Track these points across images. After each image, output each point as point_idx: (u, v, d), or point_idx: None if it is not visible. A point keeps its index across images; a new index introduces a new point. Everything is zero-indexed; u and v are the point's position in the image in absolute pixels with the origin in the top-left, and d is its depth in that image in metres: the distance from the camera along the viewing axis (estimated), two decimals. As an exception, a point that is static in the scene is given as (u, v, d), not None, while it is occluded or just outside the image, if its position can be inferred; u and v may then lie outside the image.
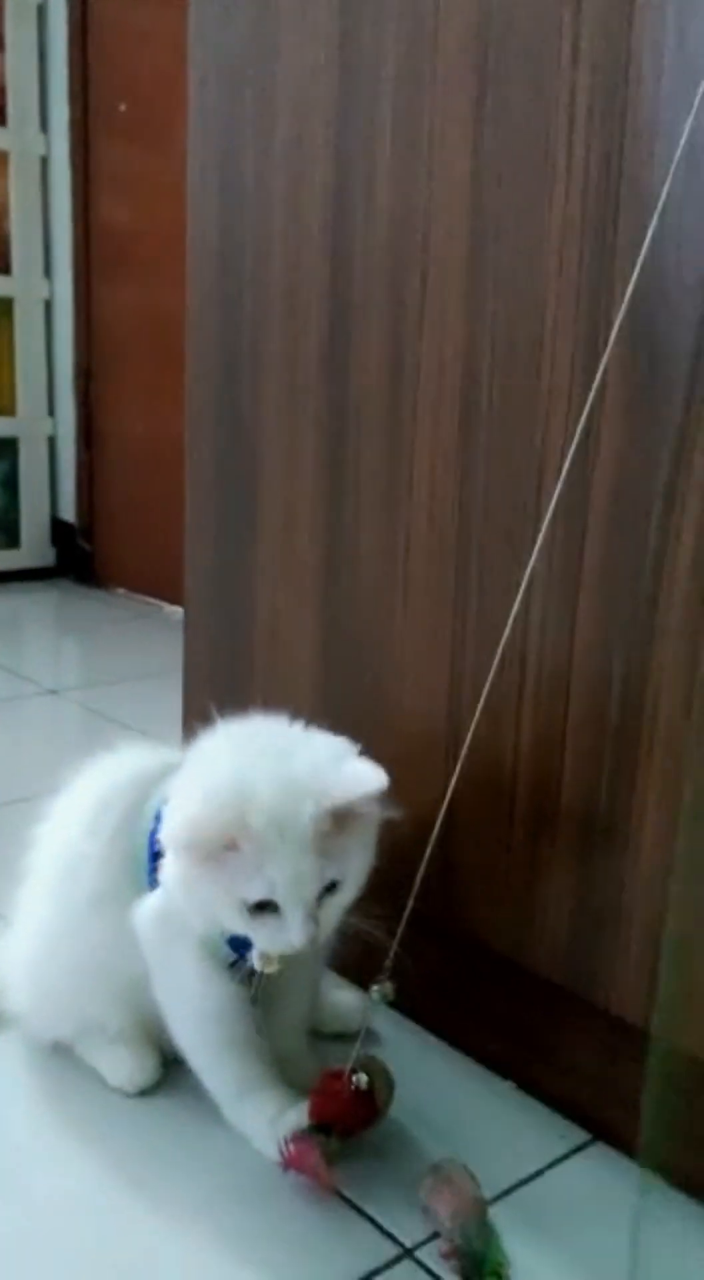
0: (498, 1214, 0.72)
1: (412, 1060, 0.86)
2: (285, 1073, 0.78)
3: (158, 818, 0.77)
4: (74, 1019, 0.85)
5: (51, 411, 2.63)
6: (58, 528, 2.68)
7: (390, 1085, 0.77)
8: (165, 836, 0.72)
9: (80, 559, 2.66)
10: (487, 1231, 0.69)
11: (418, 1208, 0.72)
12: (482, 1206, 0.71)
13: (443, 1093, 0.85)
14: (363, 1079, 0.74)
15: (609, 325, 0.69)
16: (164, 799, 0.77)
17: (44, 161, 2.52)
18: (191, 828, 0.69)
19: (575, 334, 0.72)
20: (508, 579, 0.78)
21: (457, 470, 0.81)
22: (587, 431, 0.71)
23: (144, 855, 0.78)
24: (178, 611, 2.45)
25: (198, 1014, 0.77)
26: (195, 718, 1.09)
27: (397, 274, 0.83)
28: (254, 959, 0.73)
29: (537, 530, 0.76)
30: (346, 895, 0.72)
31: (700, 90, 0.62)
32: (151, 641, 2.24)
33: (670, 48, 0.65)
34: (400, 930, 0.74)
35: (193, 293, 1.03)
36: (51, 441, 2.65)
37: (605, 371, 0.69)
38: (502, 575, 0.78)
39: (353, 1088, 0.74)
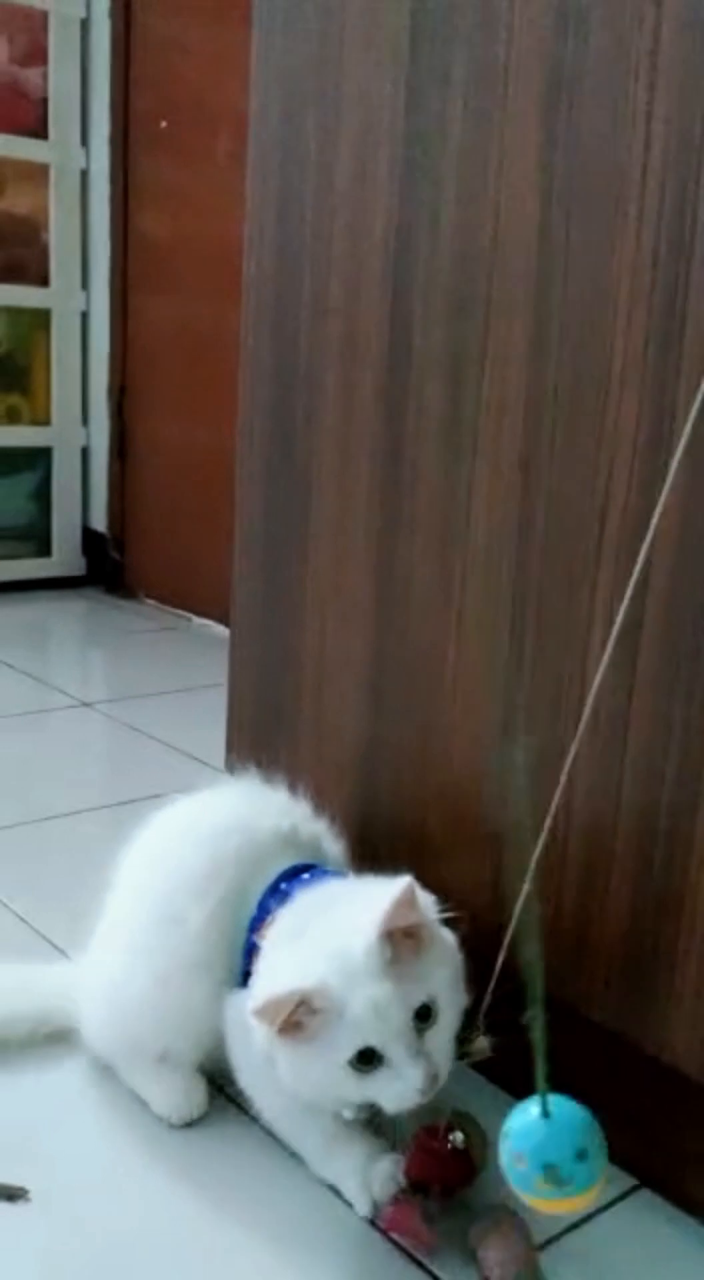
0: (545, 1260, 0.72)
1: (458, 1100, 0.86)
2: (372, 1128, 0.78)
3: (261, 908, 0.79)
4: (132, 1049, 0.85)
5: (85, 422, 2.65)
6: (89, 537, 2.70)
7: (486, 1142, 0.74)
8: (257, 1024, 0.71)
9: (110, 569, 2.67)
10: (536, 1280, 0.69)
11: (468, 1254, 0.72)
12: (532, 1255, 0.71)
13: (489, 1131, 0.85)
14: (460, 1137, 0.72)
15: (678, 374, 0.69)
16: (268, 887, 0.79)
17: (84, 175, 2.54)
18: (269, 1010, 0.69)
19: (643, 381, 0.72)
20: (566, 625, 0.78)
21: (516, 514, 0.81)
22: (653, 482, 0.71)
23: (243, 940, 0.79)
24: (207, 624, 2.46)
25: (281, 1095, 0.76)
26: (239, 748, 1.10)
27: (459, 312, 0.83)
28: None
29: (596, 577, 0.76)
30: (448, 1019, 0.71)
31: None
32: (181, 654, 2.25)
33: (749, 103, 0.65)
34: (492, 984, 0.72)
35: (248, 321, 1.03)
36: (85, 452, 2.67)
37: (675, 419, 0.69)
38: (560, 621, 0.78)
39: (450, 1146, 0.72)
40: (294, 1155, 0.81)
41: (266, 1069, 0.75)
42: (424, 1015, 0.70)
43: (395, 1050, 0.69)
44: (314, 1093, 0.73)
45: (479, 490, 0.84)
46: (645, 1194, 0.80)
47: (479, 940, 0.75)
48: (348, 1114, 0.74)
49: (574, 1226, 0.77)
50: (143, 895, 0.85)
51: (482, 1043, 0.72)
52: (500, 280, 0.80)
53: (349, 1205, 0.77)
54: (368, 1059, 0.69)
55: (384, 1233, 0.74)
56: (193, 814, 0.86)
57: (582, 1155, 0.60)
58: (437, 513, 0.87)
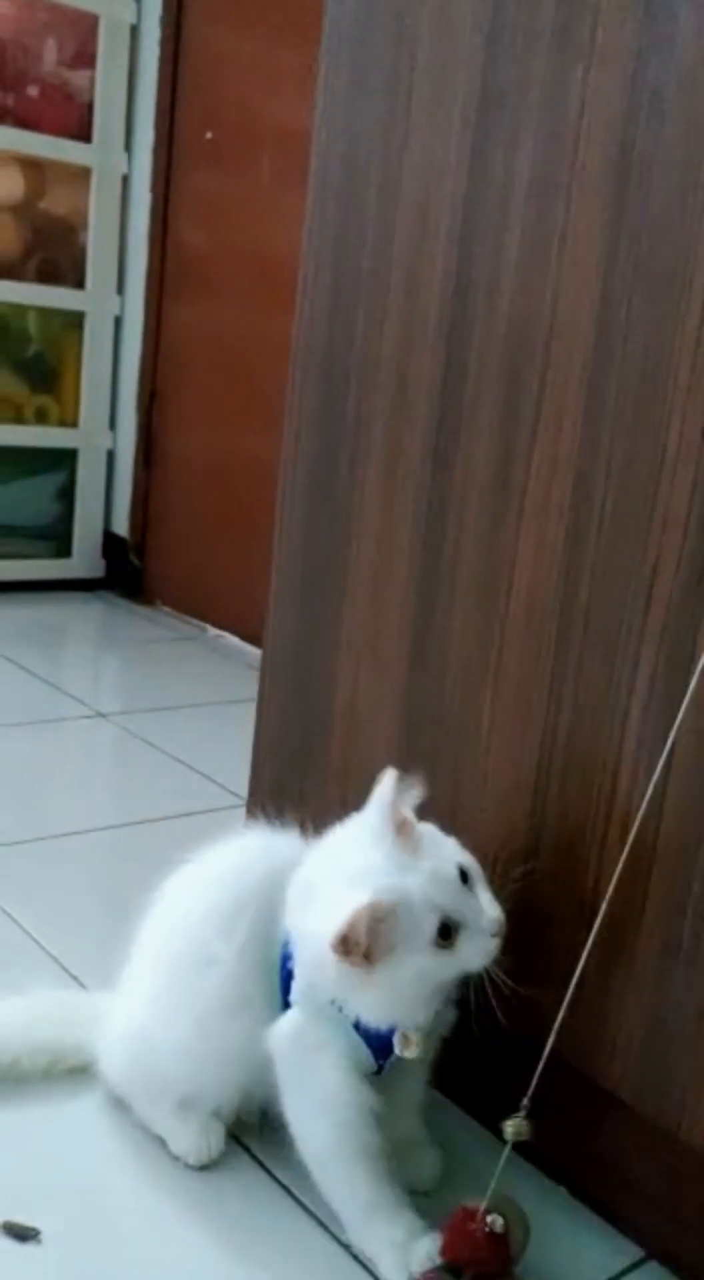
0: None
1: (464, 1157, 0.87)
2: (402, 1159, 0.79)
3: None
4: (155, 1087, 0.86)
5: (113, 426, 2.65)
6: (109, 541, 2.70)
7: (527, 1230, 0.74)
8: (332, 967, 0.73)
9: (129, 574, 2.67)
10: None
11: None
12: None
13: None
14: (499, 1221, 0.72)
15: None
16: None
17: (125, 180, 2.54)
18: (350, 938, 0.71)
19: (698, 464, 0.72)
20: (604, 698, 0.78)
21: (559, 582, 0.81)
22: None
23: (276, 970, 0.80)
24: (222, 635, 2.47)
25: (332, 1124, 0.77)
26: (263, 790, 1.10)
27: (513, 375, 0.84)
28: (396, 1043, 0.75)
29: (638, 654, 0.76)
30: (479, 877, 0.76)
31: None
32: (198, 666, 2.26)
33: None
34: (540, 1067, 0.73)
35: (297, 366, 1.03)
36: (110, 455, 2.67)
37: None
38: (598, 693, 0.79)
39: (488, 1230, 0.72)
40: (306, 1206, 0.81)
41: (318, 1104, 0.77)
42: (464, 877, 0.75)
43: (465, 909, 0.73)
44: (413, 1000, 0.75)
45: (524, 555, 0.84)
46: (653, 1266, 0.81)
47: (514, 1014, 0.76)
48: (436, 1006, 0.77)
49: (582, 1297, 0.77)
50: (170, 939, 0.85)
51: (522, 1124, 0.72)
52: (557, 349, 0.81)
53: (360, 1262, 0.77)
54: (447, 932, 0.73)
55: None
56: (213, 859, 0.86)
57: None
58: (479, 572, 0.87)
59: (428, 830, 0.77)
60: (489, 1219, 0.72)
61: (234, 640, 2.39)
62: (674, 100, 0.73)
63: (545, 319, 0.81)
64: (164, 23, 2.44)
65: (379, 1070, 0.78)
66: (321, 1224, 0.80)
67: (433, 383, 0.90)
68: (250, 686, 1.11)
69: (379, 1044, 0.77)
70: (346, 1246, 0.79)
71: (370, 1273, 0.77)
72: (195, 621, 2.51)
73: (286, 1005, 0.80)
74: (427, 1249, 0.74)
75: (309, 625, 1.04)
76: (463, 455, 0.88)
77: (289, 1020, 0.78)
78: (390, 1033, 0.76)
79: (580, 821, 0.80)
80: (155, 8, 2.45)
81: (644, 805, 0.75)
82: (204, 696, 2.02)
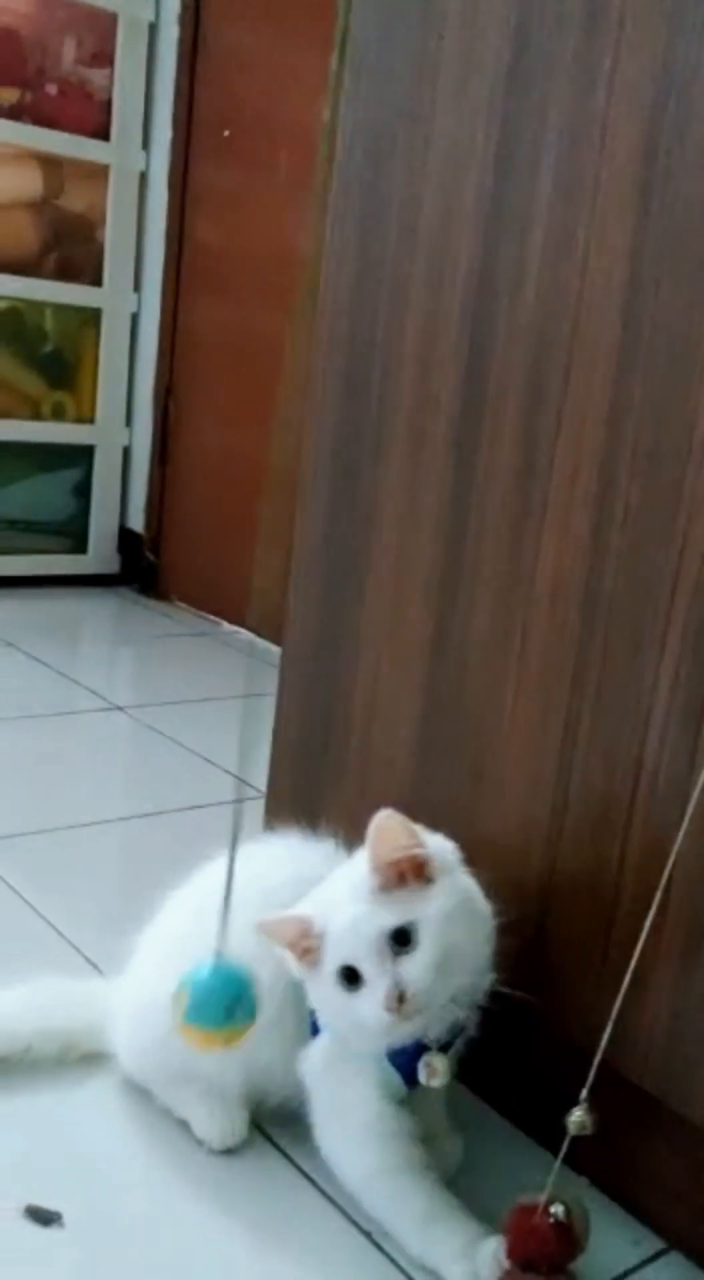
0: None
1: (490, 1150, 0.87)
2: (425, 1148, 0.79)
3: None
4: (177, 1076, 0.86)
5: (129, 423, 2.66)
6: (125, 537, 2.71)
7: (586, 1214, 0.73)
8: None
9: (145, 570, 2.68)
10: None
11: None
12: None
13: (519, 1181, 0.85)
14: (561, 1209, 0.71)
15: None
16: None
17: (143, 178, 2.55)
18: (270, 928, 0.76)
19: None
20: (629, 689, 0.78)
21: (583, 571, 0.81)
22: (729, 555, 0.71)
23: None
24: (237, 631, 2.47)
25: (373, 1146, 0.77)
26: (282, 784, 1.11)
27: (538, 367, 0.84)
28: (421, 1073, 0.75)
29: (663, 645, 0.76)
30: (431, 949, 0.72)
31: None
32: (212, 660, 2.26)
33: None
34: (597, 1059, 0.72)
35: (320, 360, 1.03)
36: (126, 452, 2.68)
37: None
38: (623, 684, 0.79)
39: (552, 1220, 0.71)
40: (325, 1191, 0.82)
41: (356, 1130, 0.77)
42: (402, 939, 0.73)
43: (366, 966, 0.73)
44: (333, 1022, 0.77)
45: (547, 547, 0.84)
46: (676, 1256, 0.81)
47: (558, 1016, 0.76)
48: (388, 1070, 0.77)
49: (602, 1286, 0.77)
50: (200, 935, 0.85)
51: (583, 1117, 0.71)
52: (582, 339, 0.81)
53: (382, 1249, 0.77)
54: (350, 977, 0.74)
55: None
56: (245, 863, 0.86)
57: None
58: (501, 565, 0.87)
59: (439, 883, 0.75)
60: (552, 1209, 0.71)
61: (250, 635, 2.39)
62: (700, 90, 0.73)
63: (571, 309, 0.81)
64: (182, 21, 2.45)
65: (410, 1092, 0.78)
66: (341, 1209, 0.81)
67: (457, 374, 0.90)
68: (266, 682, 1.12)
69: (406, 1066, 0.77)
70: (368, 1233, 0.79)
71: (390, 1257, 0.77)
72: (210, 617, 2.52)
73: (315, 1028, 0.80)
74: (493, 1251, 0.72)
75: (329, 617, 1.05)
76: (486, 446, 0.88)
77: (320, 1047, 0.79)
78: (415, 1052, 0.76)
79: (604, 814, 0.80)
80: (174, 6, 2.46)
81: (667, 794, 0.75)
82: (218, 690, 2.02)
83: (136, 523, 2.70)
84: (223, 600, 2.48)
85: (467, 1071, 0.89)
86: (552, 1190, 0.71)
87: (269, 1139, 0.87)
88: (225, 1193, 0.82)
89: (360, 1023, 0.73)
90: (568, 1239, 0.72)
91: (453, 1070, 0.79)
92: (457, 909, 0.75)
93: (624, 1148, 0.84)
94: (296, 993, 0.80)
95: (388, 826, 0.75)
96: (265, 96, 2.31)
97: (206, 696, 1.99)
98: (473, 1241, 0.74)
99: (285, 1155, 0.85)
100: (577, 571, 0.82)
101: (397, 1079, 0.78)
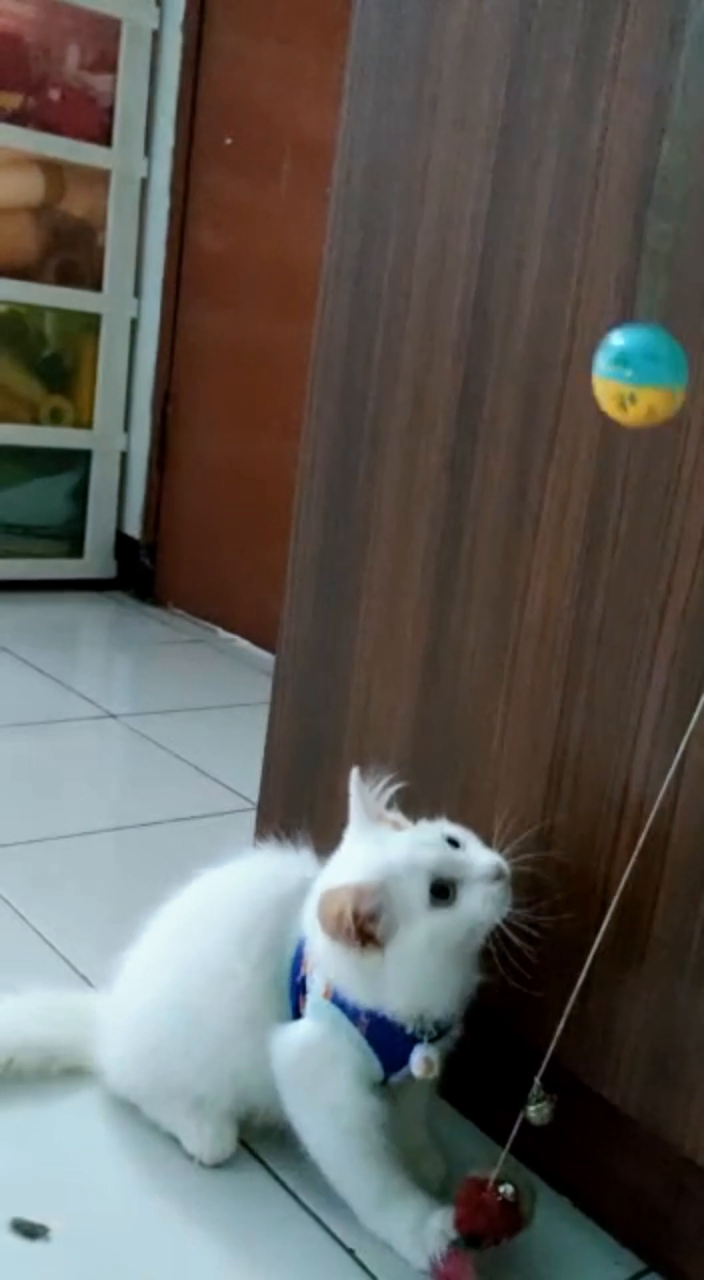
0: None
1: (469, 1163, 0.87)
2: (409, 1165, 0.81)
3: (299, 947, 0.81)
4: (166, 1089, 0.87)
5: (127, 428, 2.67)
6: (122, 542, 2.71)
7: (534, 1195, 0.77)
8: (351, 966, 0.76)
9: (141, 575, 2.69)
10: None
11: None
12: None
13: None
14: (509, 1189, 0.74)
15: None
16: (302, 931, 0.81)
17: (144, 184, 2.56)
18: (333, 916, 0.73)
19: (711, 487, 0.73)
20: (617, 713, 0.79)
21: (574, 595, 0.82)
22: (717, 586, 0.72)
23: (286, 983, 0.81)
24: (233, 639, 2.48)
25: (341, 1131, 0.79)
26: (274, 797, 1.11)
27: (531, 393, 0.85)
28: (415, 1065, 0.77)
29: (651, 671, 0.77)
30: (476, 846, 0.77)
31: None
32: (208, 669, 2.27)
33: None
34: (552, 1045, 0.74)
35: (315, 378, 1.04)
36: (124, 457, 2.69)
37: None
38: (611, 703, 0.80)
39: (500, 1198, 0.74)
40: (314, 1213, 0.82)
41: (326, 1113, 0.78)
42: (453, 842, 0.77)
43: (455, 865, 0.75)
44: (437, 973, 0.76)
45: (538, 570, 0.85)
46: (654, 1279, 0.81)
47: (518, 1017, 0.77)
48: (464, 980, 0.78)
49: (582, 1306, 0.78)
50: (185, 951, 0.86)
51: (544, 1108, 0.73)
52: (575, 368, 0.81)
53: (364, 1266, 0.78)
54: (442, 891, 0.74)
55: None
56: (227, 876, 0.88)
57: (653, 356, 0.61)
58: (493, 585, 0.88)
59: (420, 824, 0.80)
60: (501, 1188, 0.73)
61: (245, 643, 2.40)
62: (695, 125, 0.73)
63: (564, 338, 0.82)
64: (185, 28, 2.46)
65: (385, 1080, 0.79)
66: (324, 1226, 0.81)
67: (451, 398, 0.91)
68: (260, 690, 1.12)
69: (391, 1057, 0.78)
70: (351, 1250, 0.80)
71: (372, 1275, 0.77)
72: (206, 624, 2.52)
73: (296, 1013, 0.81)
74: (440, 1225, 0.76)
75: (323, 633, 1.05)
76: (479, 470, 0.89)
77: (299, 1031, 0.80)
78: (404, 1045, 0.77)
79: (590, 835, 0.81)
80: (177, 13, 2.47)
81: (652, 818, 0.76)
82: (214, 700, 2.03)
83: (134, 528, 2.70)
84: (220, 607, 2.49)
85: (451, 1087, 0.90)
86: (502, 1169, 0.74)
87: (254, 1154, 0.88)
88: (210, 1208, 0.82)
89: (474, 919, 0.74)
90: (513, 1216, 0.74)
91: (441, 1068, 0.80)
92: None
93: (605, 1168, 0.85)
94: (275, 991, 0.81)
95: (363, 785, 0.80)
96: (268, 105, 2.32)
97: (201, 705, 2.00)
98: (423, 1217, 0.77)
99: (270, 1171, 0.86)
100: (567, 596, 0.83)
101: (376, 1065, 0.78)
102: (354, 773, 0.81)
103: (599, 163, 0.79)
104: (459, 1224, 0.74)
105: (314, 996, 0.79)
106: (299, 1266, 0.78)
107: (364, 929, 0.73)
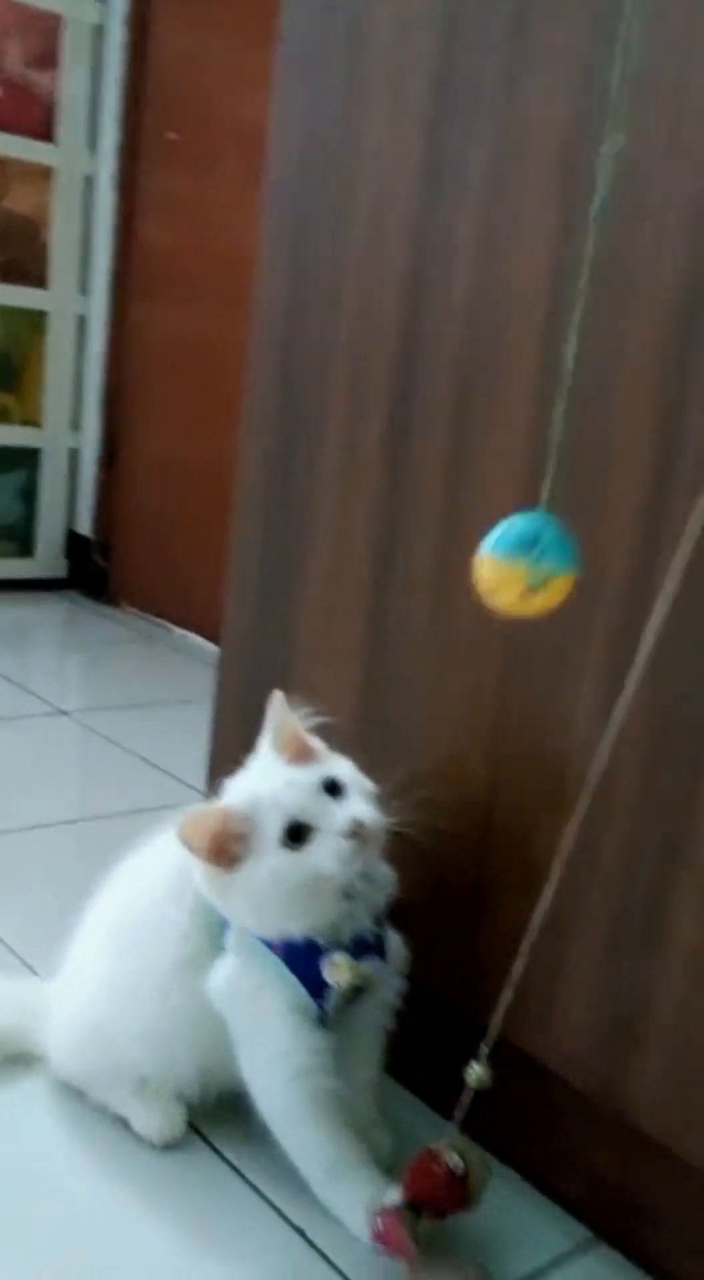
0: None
1: (418, 1141, 0.87)
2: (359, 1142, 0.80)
3: None
4: (113, 1068, 0.86)
5: (76, 426, 2.65)
6: (72, 541, 2.69)
7: (487, 1171, 0.76)
8: (207, 879, 0.78)
9: (93, 574, 2.67)
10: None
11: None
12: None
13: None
14: (459, 1162, 0.73)
15: (680, 451, 0.71)
16: None
17: (89, 180, 2.54)
18: (193, 834, 0.76)
19: (647, 450, 0.74)
20: (556, 686, 0.79)
21: (512, 571, 0.82)
22: (650, 553, 0.73)
23: (220, 924, 0.81)
24: (187, 635, 2.46)
25: (287, 1076, 0.78)
26: (221, 782, 1.11)
27: (466, 370, 0.85)
28: (325, 972, 0.77)
29: (588, 639, 0.77)
30: (359, 795, 0.78)
31: None
32: (161, 665, 2.26)
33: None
34: (497, 1017, 0.73)
35: (254, 362, 1.04)
36: (73, 455, 2.67)
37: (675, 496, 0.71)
38: (550, 682, 0.80)
39: (449, 1170, 0.73)
40: (263, 1192, 0.82)
41: (271, 1053, 0.78)
42: (333, 789, 0.77)
43: (315, 813, 0.76)
44: (284, 903, 0.76)
45: (476, 545, 0.85)
46: (602, 1248, 0.82)
47: (466, 992, 0.77)
48: (329, 912, 0.77)
49: (529, 1277, 0.78)
50: (122, 916, 0.86)
51: (483, 1071, 0.73)
52: (509, 344, 0.82)
53: (314, 1246, 0.78)
54: (296, 834, 0.75)
55: (346, 1277, 0.76)
56: (156, 844, 0.87)
57: (559, 540, 0.61)
58: (433, 563, 0.88)
59: (331, 756, 0.81)
60: (452, 1160, 0.73)
61: (198, 640, 2.39)
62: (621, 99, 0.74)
63: (496, 318, 0.83)
64: (128, 23, 2.45)
65: (323, 1017, 0.79)
66: (273, 1206, 0.81)
67: (389, 378, 0.91)
68: (213, 685, 1.12)
69: (311, 980, 0.78)
70: (301, 1230, 0.79)
71: (321, 1253, 0.77)
72: (160, 622, 2.51)
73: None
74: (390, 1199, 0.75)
75: (265, 620, 1.05)
76: (418, 449, 0.89)
77: (224, 966, 0.80)
78: (316, 964, 0.77)
79: (530, 808, 0.82)
80: (119, 8, 2.46)
81: (592, 789, 0.76)
82: (166, 695, 2.02)
83: (84, 526, 2.68)
84: (173, 604, 2.48)
85: (399, 1066, 0.90)
86: (457, 1143, 0.74)
87: (203, 1137, 0.87)
88: (158, 1191, 0.82)
89: (317, 869, 0.75)
90: (459, 1190, 0.74)
91: (383, 1023, 0.82)
92: (358, 773, 0.80)
93: (551, 1139, 0.86)
94: (210, 936, 0.81)
95: (285, 708, 0.82)
96: (212, 98, 2.32)
97: (154, 701, 1.99)
98: (375, 1196, 0.76)
99: (218, 1153, 0.86)
100: (504, 572, 0.83)
101: (300, 991, 0.78)
102: (276, 695, 0.82)
103: (528, 139, 0.80)
104: (405, 1190, 0.74)
105: (233, 930, 0.79)
106: (249, 1247, 0.78)
107: (222, 847, 0.75)
